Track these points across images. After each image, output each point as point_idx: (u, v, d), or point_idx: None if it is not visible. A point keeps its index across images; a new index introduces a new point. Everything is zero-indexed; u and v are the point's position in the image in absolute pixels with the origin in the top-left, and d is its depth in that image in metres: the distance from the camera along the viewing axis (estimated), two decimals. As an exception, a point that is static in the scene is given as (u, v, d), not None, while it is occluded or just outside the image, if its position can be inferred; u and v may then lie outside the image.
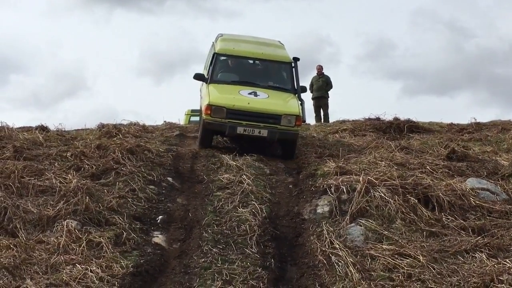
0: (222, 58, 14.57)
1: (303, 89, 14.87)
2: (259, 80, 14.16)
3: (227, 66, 14.66)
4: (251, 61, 14.59)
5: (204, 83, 14.35)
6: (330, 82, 21.72)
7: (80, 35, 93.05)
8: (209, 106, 12.85)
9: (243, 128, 12.68)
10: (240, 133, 12.76)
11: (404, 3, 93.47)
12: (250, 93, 13.35)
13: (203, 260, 9.63)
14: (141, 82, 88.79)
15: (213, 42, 15.98)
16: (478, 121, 18.43)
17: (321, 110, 21.44)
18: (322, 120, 21.08)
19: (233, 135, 13.11)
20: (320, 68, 21.73)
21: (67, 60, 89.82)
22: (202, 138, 13.65)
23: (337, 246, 9.61)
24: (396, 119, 17.94)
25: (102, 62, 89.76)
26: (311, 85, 21.39)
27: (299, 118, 12.88)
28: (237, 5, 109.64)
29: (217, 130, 13.14)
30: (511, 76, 76.16)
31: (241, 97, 13.25)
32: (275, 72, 14.46)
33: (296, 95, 14.03)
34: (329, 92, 21.63)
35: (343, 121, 19.62)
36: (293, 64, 14.50)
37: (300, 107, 13.38)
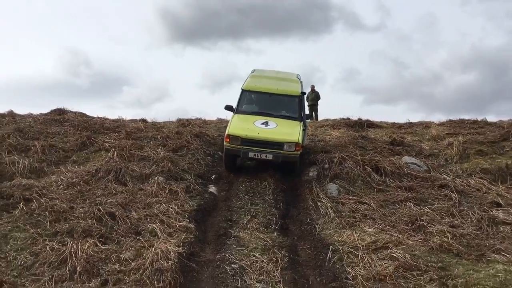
0: (246, 93, 12.33)
1: (308, 117, 12.85)
2: (274, 110, 11.90)
3: (250, 99, 12.45)
4: (268, 95, 12.19)
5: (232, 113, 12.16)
6: (319, 96, 21.58)
7: (165, 61, 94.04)
8: (228, 136, 10.93)
9: (253, 153, 10.77)
10: (251, 157, 10.90)
11: (366, 46, 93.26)
12: (262, 123, 11.25)
13: (239, 202, 9.71)
14: (203, 93, 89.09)
15: (249, 74, 13.39)
16: (410, 121, 18.32)
17: (313, 113, 21.37)
18: (314, 119, 20.99)
19: (246, 158, 11.17)
20: (313, 87, 21.58)
21: (158, 78, 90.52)
22: (226, 161, 11.56)
23: (321, 196, 9.64)
24: (359, 119, 17.83)
25: (179, 79, 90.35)
26: (307, 98, 21.26)
27: (298, 145, 10.83)
28: (262, 46, 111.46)
29: (234, 154, 11.11)
30: (432, 93, 75.58)
31: (254, 127, 11.08)
32: (287, 103, 12.14)
33: (302, 122, 11.73)
34: (318, 101, 21.57)
35: (327, 120, 19.58)
36: (301, 97, 12.24)
37: (301, 134, 11.19)
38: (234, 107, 12.00)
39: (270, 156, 10.76)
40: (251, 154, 10.81)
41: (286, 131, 11.08)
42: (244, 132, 10.87)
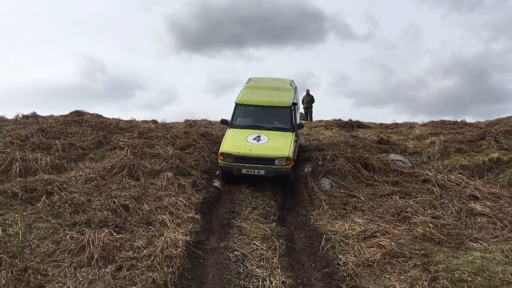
0: (240, 106, 11.43)
1: (300, 126, 11.61)
2: (266, 122, 11.05)
3: (244, 112, 11.48)
4: (261, 108, 11.33)
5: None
6: (313, 99, 21.51)
7: (174, 68, 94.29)
8: (222, 154, 10.17)
9: (246, 169, 9.97)
10: (244, 173, 10.02)
11: (356, 54, 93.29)
12: (254, 138, 10.39)
13: (241, 196, 9.74)
14: (208, 96, 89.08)
15: (245, 83, 12.65)
16: (396, 122, 18.31)
17: (308, 115, 21.33)
18: (309, 120, 20.96)
19: (239, 174, 10.11)
20: (308, 91, 21.51)
21: (167, 82, 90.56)
22: (222, 176, 10.60)
23: (315, 190, 9.63)
24: (350, 120, 17.77)
25: (186, 84, 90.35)
26: (303, 101, 21.27)
27: (289, 159, 10.01)
28: (262, 53, 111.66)
29: (228, 171, 10.24)
30: (416, 96, 75.68)
31: (246, 144, 10.25)
32: (279, 114, 11.24)
33: (294, 132, 10.90)
34: (313, 104, 21.54)
35: (320, 121, 19.55)
36: (292, 108, 11.29)
37: (292, 146, 10.36)
38: (229, 121, 11.29)
39: (262, 172, 10.01)
40: (244, 171, 10.04)
41: (276, 145, 10.28)
42: (236, 149, 10.14)
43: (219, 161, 10.32)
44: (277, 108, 11.33)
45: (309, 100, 21.53)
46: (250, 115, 11.48)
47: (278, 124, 11.15)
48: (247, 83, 12.53)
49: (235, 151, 10.12)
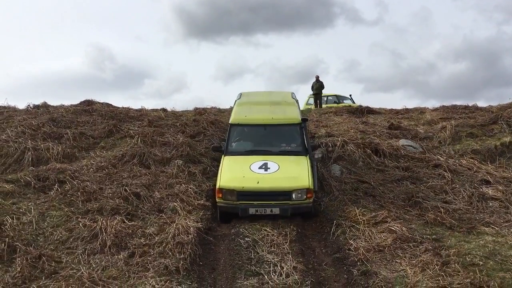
0: (236, 127, 9.06)
1: (315, 147, 9.42)
2: (272, 145, 8.72)
3: (241, 134, 9.15)
4: (263, 128, 8.96)
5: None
6: (323, 85, 21.32)
7: (182, 56, 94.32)
8: (220, 190, 7.73)
9: (255, 208, 7.59)
10: (253, 213, 7.62)
11: (365, 39, 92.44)
12: (261, 167, 7.97)
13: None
14: (216, 84, 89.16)
15: (235, 100, 10.17)
16: (407, 107, 18.11)
17: (318, 101, 21.21)
18: (318, 107, 20.84)
19: (245, 216, 7.65)
20: (317, 77, 21.32)
21: (176, 70, 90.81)
22: (221, 218, 7.98)
23: (325, 176, 9.63)
24: (360, 105, 17.72)
25: (194, 72, 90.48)
26: (312, 87, 21.20)
27: (310, 191, 7.65)
28: (270, 40, 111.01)
29: (229, 213, 7.78)
30: (426, 81, 74.87)
31: (251, 175, 7.81)
32: (286, 134, 8.98)
33: (307, 155, 8.47)
34: (322, 91, 21.41)
35: (330, 107, 19.47)
36: (302, 125, 8.91)
37: (311, 175, 7.88)
38: (223, 147, 8.97)
39: (276, 210, 7.62)
40: (252, 211, 7.63)
41: (292, 174, 7.97)
42: (239, 183, 7.72)
43: (217, 199, 7.90)
44: (283, 126, 9.02)
45: (318, 87, 21.39)
46: (250, 137, 9.18)
47: (287, 146, 8.89)
48: (238, 99, 10.21)
49: (238, 186, 7.70)
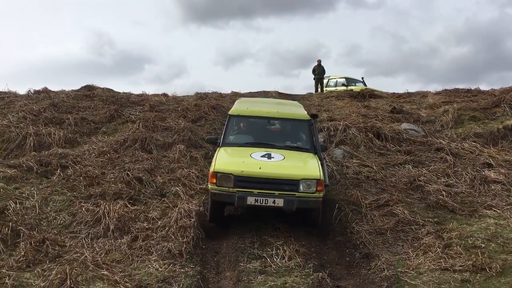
0: (235, 119, 7.88)
1: (323, 148, 8.01)
2: (275, 141, 7.53)
3: (241, 128, 8.04)
4: (267, 121, 7.92)
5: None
6: (325, 70, 21.34)
7: (182, 40, 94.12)
8: (215, 174, 6.52)
9: (254, 197, 6.39)
10: (251, 204, 6.42)
11: (367, 23, 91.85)
12: (263, 156, 6.87)
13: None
14: (217, 68, 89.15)
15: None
16: (409, 91, 18.03)
17: (319, 86, 21.15)
18: (320, 91, 20.79)
19: (243, 206, 6.62)
20: (319, 61, 21.25)
21: (176, 55, 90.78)
22: (211, 212, 6.96)
23: (327, 160, 9.66)
24: (361, 89, 17.67)
25: (194, 57, 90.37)
26: (313, 71, 21.11)
27: (321, 183, 6.50)
28: (271, 24, 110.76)
29: (225, 202, 6.72)
30: (429, 65, 74.73)
31: (252, 160, 6.72)
32: (293, 131, 8.00)
33: (316, 154, 7.33)
34: (324, 75, 21.34)
35: (331, 91, 19.40)
36: (311, 122, 7.81)
37: (321, 168, 6.75)
38: (219, 139, 7.67)
39: (280, 202, 6.41)
40: (250, 200, 6.43)
41: (299, 164, 6.98)
42: (238, 167, 6.58)
43: (209, 186, 6.69)
44: (290, 121, 7.99)
45: (320, 71, 21.31)
46: (252, 131, 7.95)
47: (293, 143, 7.67)
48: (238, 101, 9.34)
49: (237, 170, 6.53)
